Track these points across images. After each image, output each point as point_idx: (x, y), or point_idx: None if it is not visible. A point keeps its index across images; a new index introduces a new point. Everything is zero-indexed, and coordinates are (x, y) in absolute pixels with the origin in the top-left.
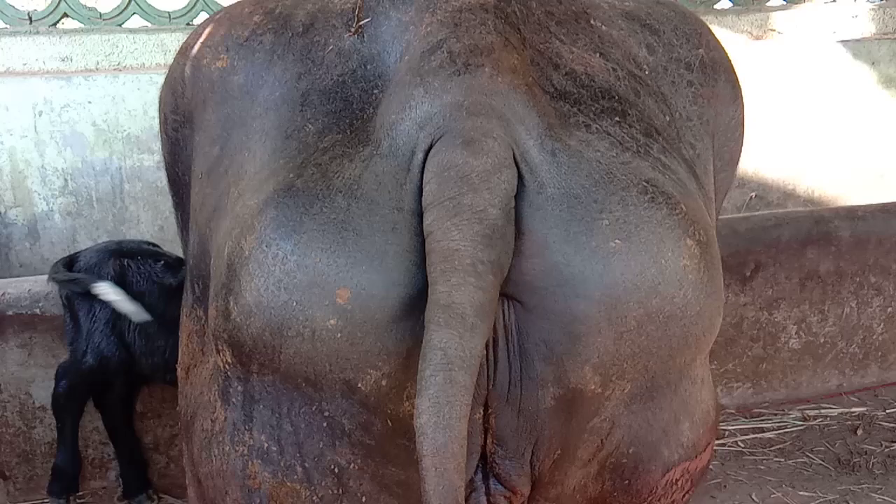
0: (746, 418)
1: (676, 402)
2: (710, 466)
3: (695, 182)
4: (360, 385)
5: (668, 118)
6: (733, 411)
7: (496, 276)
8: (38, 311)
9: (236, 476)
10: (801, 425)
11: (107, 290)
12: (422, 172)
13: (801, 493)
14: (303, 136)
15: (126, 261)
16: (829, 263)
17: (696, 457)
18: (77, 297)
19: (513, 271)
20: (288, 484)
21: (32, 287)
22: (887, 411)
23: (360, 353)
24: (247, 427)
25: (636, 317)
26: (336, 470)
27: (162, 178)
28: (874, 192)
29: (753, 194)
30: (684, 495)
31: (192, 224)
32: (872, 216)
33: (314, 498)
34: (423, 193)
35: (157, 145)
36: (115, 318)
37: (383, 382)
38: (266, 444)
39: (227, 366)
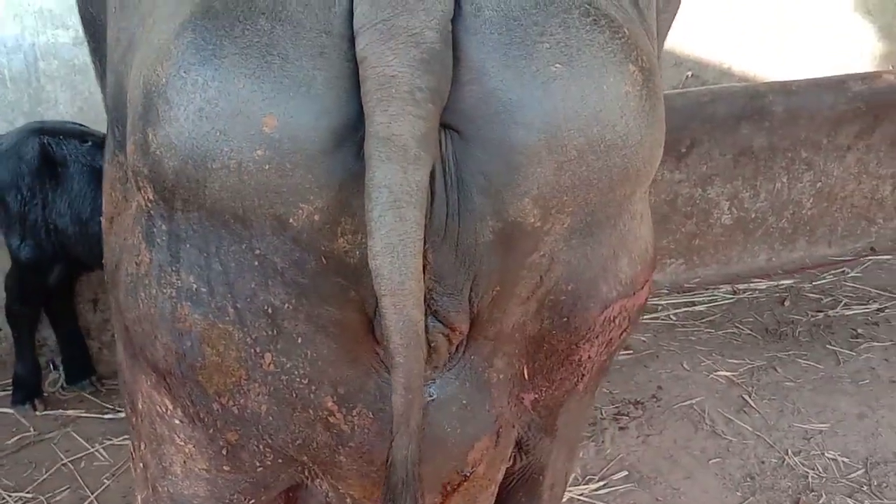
0: (679, 293)
1: (615, 238)
2: (643, 339)
3: (637, 13)
4: (291, 220)
5: None
6: (666, 288)
7: (435, 104)
8: None
9: (165, 319)
10: (731, 298)
11: None
12: None
13: (730, 360)
14: None
15: (48, 140)
16: (763, 139)
17: (634, 294)
18: (4, 182)
19: (449, 99)
20: (220, 326)
21: None
22: (814, 283)
23: (290, 186)
24: (174, 268)
25: (577, 146)
26: (269, 311)
27: (79, 56)
28: (810, 69)
29: (690, 73)
30: (622, 333)
31: (108, 64)
32: (806, 90)
33: (248, 339)
34: (354, 16)
35: (73, 20)
36: (46, 203)
37: (315, 217)
38: (195, 286)
39: (149, 204)
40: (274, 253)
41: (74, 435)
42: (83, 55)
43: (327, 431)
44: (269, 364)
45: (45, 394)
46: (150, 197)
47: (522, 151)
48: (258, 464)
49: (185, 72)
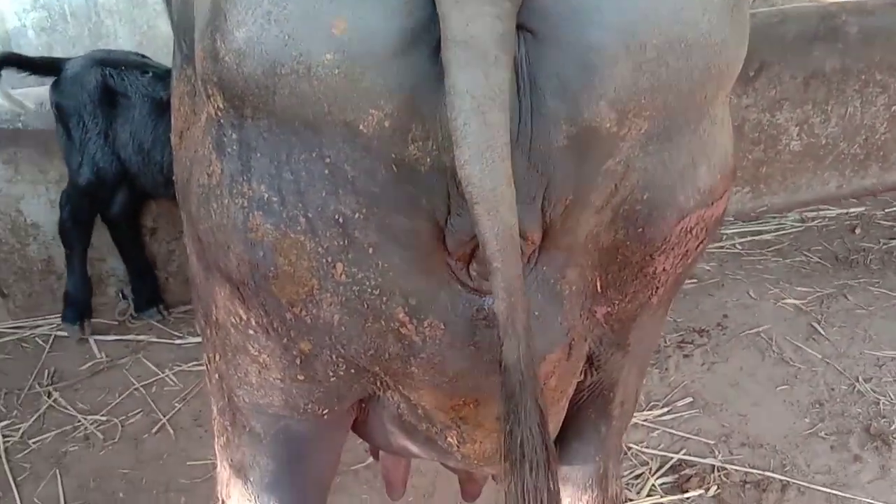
0: (745, 222)
1: (695, 144)
2: (708, 268)
3: None
4: (361, 127)
5: None
6: (732, 216)
7: (512, 2)
8: (20, 125)
9: (237, 229)
10: (800, 226)
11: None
12: None
13: (798, 288)
14: None
15: (109, 71)
16: (836, 61)
17: (713, 204)
18: (67, 107)
19: None
20: (291, 235)
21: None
22: (886, 210)
23: (360, 92)
24: (245, 178)
25: (656, 45)
26: (340, 220)
27: None
28: None
29: None
30: (698, 245)
31: None
32: (882, 10)
33: (319, 249)
34: None
35: None
36: (107, 133)
37: (386, 124)
38: (266, 195)
39: (219, 112)
40: (344, 161)
41: (145, 361)
42: None
43: (399, 342)
44: (341, 274)
45: (116, 322)
46: (220, 105)
47: (599, 52)
48: (331, 374)
49: None
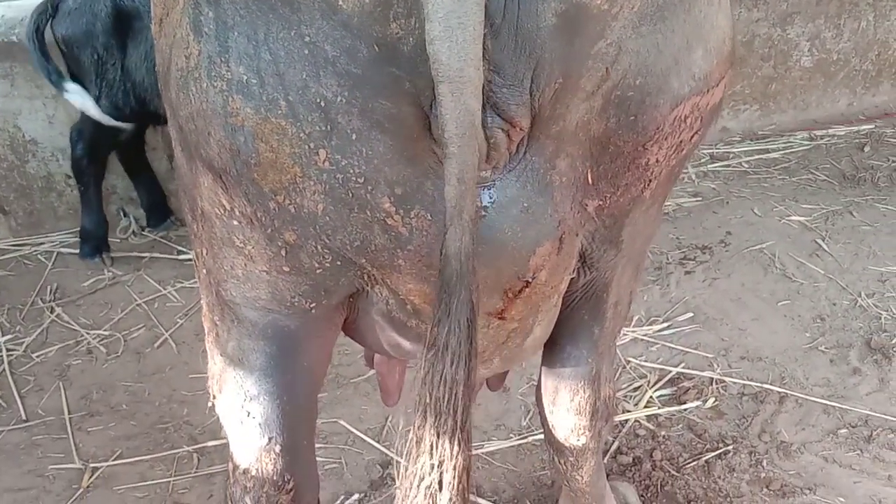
0: (752, 140)
1: (690, 25)
2: (712, 186)
3: None
4: (340, 2)
5: None
6: (739, 135)
7: None
8: (14, 38)
9: (217, 114)
10: (808, 145)
11: (75, 95)
12: None
13: (803, 206)
14: None
15: None
16: None
17: (708, 91)
18: (77, 40)
19: None
20: (272, 120)
21: (6, 13)
22: None
23: None
24: (223, 59)
25: None
26: (322, 104)
27: None
28: None
29: None
30: (693, 136)
31: None
32: None
33: (301, 135)
34: None
35: None
36: (122, 60)
37: (366, 0)
38: (245, 77)
39: None
40: (324, 40)
41: (147, 278)
42: None
43: (385, 234)
44: (324, 161)
45: (117, 240)
46: None
47: None
48: (317, 265)
49: None
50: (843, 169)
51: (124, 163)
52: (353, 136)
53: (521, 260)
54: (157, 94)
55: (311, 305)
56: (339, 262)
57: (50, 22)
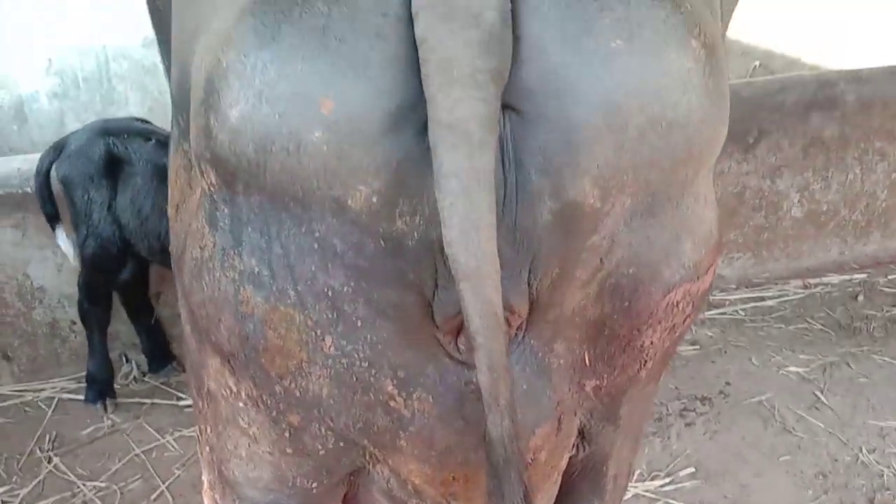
0: (747, 288)
1: (678, 220)
2: (710, 334)
3: None
4: (349, 202)
5: None
6: (734, 283)
7: (497, 84)
8: (29, 189)
9: (228, 302)
10: (802, 293)
11: (60, 239)
12: None
13: (801, 356)
14: None
15: (113, 140)
16: (834, 128)
17: (699, 278)
18: (73, 180)
19: (509, 78)
20: (281, 308)
21: (21, 166)
22: (889, 277)
23: (349, 168)
24: (236, 251)
25: (637, 124)
26: (329, 293)
27: (149, 57)
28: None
29: (757, 63)
30: (685, 319)
31: (173, 55)
32: (878, 79)
33: (308, 322)
34: None
35: (143, 22)
36: (111, 201)
37: (374, 199)
38: (257, 269)
39: (212, 188)
40: (333, 235)
41: (146, 426)
42: (153, 56)
43: (388, 415)
44: (330, 347)
45: (118, 386)
46: (213, 181)
47: (582, 129)
48: (320, 447)
49: (245, 55)
50: (839, 318)
51: (127, 306)
52: (359, 324)
53: (521, 441)
54: (141, 238)
55: (313, 485)
56: (341, 444)
57: (53, 164)
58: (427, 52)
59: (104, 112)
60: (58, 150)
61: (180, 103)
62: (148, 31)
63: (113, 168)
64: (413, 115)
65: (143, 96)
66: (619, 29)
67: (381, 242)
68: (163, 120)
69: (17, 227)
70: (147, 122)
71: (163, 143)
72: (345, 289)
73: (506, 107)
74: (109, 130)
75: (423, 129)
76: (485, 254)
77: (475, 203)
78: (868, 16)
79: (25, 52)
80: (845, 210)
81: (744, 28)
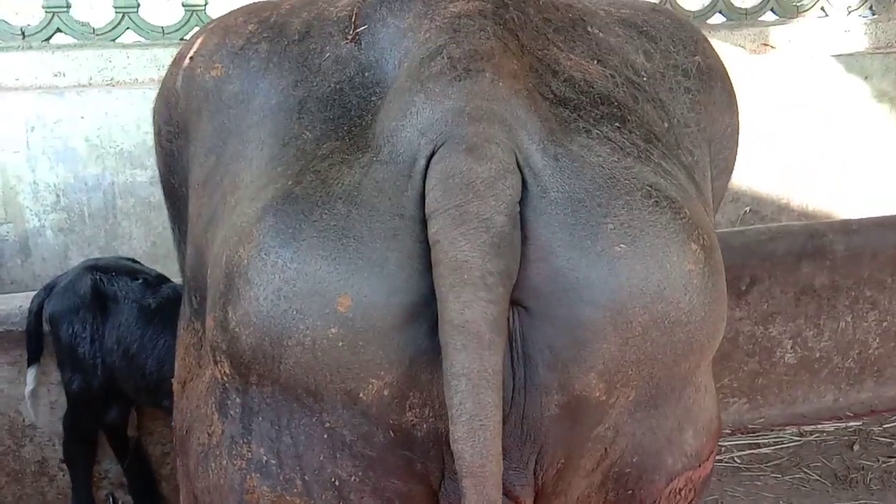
0: (742, 434)
1: (680, 410)
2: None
3: (694, 188)
4: (361, 395)
5: (666, 124)
6: (729, 428)
7: (506, 286)
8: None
9: (234, 491)
10: (798, 441)
11: (28, 378)
12: (424, 179)
13: None
14: (300, 143)
15: (100, 276)
16: (825, 277)
17: (700, 465)
18: (60, 316)
19: (517, 277)
20: (287, 498)
21: (23, 303)
22: (884, 426)
23: (362, 363)
24: (245, 440)
25: (641, 322)
26: (337, 483)
27: (155, 194)
28: (869, 205)
29: (748, 209)
30: None
31: (189, 235)
32: (867, 229)
33: None
34: (427, 201)
35: (149, 160)
36: (95, 338)
37: (385, 392)
38: (265, 458)
39: (225, 377)
40: (343, 426)
41: None
42: (158, 193)
43: None
44: None
45: None
46: (227, 371)
47: (589, 327)
48: None
49: (265, 254)
50: (835, 468)
51: (114, 446)
52: None
53: None
54: (124, 378)
55: None
56: None
57: (44, 303)
58: (439, 253)
59: (107, 247)
60: (49, 289)
61: (194, 284)
62: (155, 169)
63: (99, 304)
64: (426, 312)
65: (147, 231)
66: (623, 234)
67: (391, 433)
68: (166, 254)
69: (13, 365)
70: (136, 261)
71: (149, 283)
72: (352, 478)
73: (515, 304)
74: (97, 267)
75: (436, 325)
76: (490, 452)
77: (483, 401)
78: (856, 161)
79: (33, 188)
80: (838, 357)
81: (734, 175)
